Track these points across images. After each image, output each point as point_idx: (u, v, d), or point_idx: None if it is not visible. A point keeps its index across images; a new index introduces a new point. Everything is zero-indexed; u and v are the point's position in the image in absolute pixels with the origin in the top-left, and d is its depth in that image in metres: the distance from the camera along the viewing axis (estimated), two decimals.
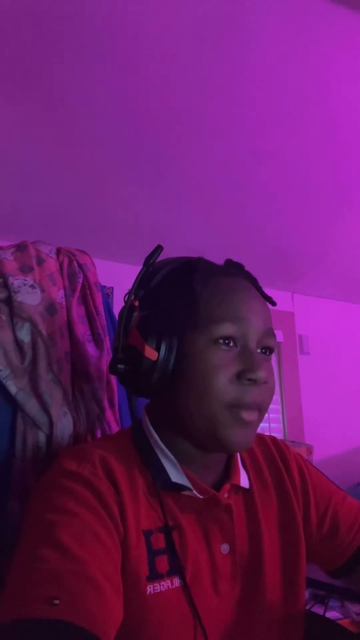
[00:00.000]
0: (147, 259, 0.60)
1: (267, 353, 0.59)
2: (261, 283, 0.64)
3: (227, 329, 0.55)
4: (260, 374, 0.54)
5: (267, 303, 0.62)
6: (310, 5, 1.04)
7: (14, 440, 0.72)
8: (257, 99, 1.30)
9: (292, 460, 0.70)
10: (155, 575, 0.53)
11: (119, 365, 0.56)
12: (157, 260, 0.62)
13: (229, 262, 0.65)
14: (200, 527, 0.58)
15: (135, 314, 0.57)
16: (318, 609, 1.24)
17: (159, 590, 0.52)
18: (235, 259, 0.66)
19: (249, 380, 0.54)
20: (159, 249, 0.61)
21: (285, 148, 1.52)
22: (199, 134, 1.44)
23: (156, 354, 0.54)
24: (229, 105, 1.33)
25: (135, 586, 0.51)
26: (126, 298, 0.58)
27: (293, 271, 2.51)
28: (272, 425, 2.39)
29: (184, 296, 0.57)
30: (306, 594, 1.17)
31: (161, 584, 0.53)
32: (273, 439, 0.73)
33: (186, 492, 0.57)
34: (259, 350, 0.58)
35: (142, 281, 0.59)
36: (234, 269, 0.64)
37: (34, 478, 0.71)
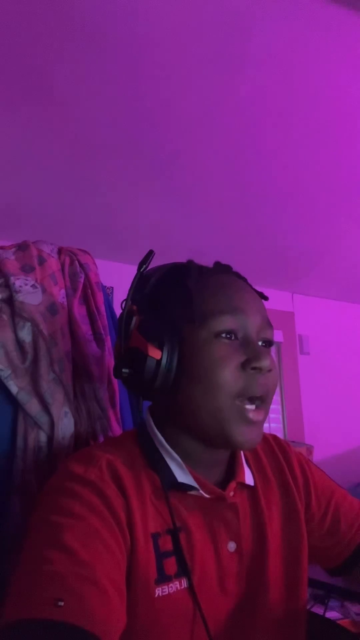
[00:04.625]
0: (141, 264, 0.61)
1: (267, 345, 0.60)
2: (261, 283, 0.65)
3: (227, 322, 0.56)
4: (265, 362, 0.54)
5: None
6: (313, 7, 1.04)
7: (15, 440, 0.72)
8: (259, 99, 1.31)
9: (293, 457, 0.70)
10: (163, 578, 0.53)
11: (124, 370, 0.57)
12: (155, 264, 0.63)
13: (217, 264, 0.66)
14: (207, 526, 0.58)
15: (135, 317, 0.58)
16: (318, 609, 1.24)
17: (167, 593, 0.52)
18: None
19: (254, 369, 0.55)
20: (151, 253, 0.62)
21: (286, 148, 1.52)
22: (200, 134, 1.44)
23: (160, 352, 0.55)
24: (229, 105, 1.33)
25: (144, 590, 0.51)
26: (123, 305, 0.59)
27: (293, 271, 2.51)
28: (272, 425, 2.40)
29: (180, 294, 0.58)
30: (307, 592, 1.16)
31: (169, 586, 0.53)
32: (275, 437, 0.73)
33: (192, 492, 0.58)
34: (259, 343, 0.58)
35: (138, 286, 0.60)
36: (223, 269, 0.65)
37: (35, 478, 0.71)
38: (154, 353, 0.55)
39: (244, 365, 0.55)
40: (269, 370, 0.56)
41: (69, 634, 0.41)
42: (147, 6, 1.03)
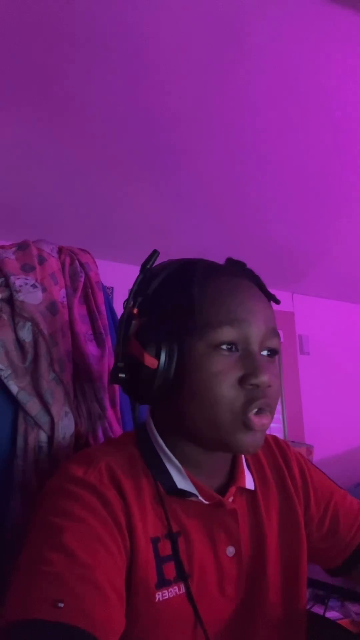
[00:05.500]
0: (144, 264, 0.59)
1: (271, 355, 0.57)
2: None
3: (226, 333, 0.53)
4: (263, 378, 0.52)
5: (270, 302, 0.61)
6: (310, 7, 1.04)
7: (16, 440, 0.72)
8: (258, 100, 1.30)
9: (293, 459, 0.70)
10: (163, 582, 0.53)
11: (120, 375, 0.56)
12: (156, 263, 0.61)
13: (230, 261, 0.64)
14: (206, 531, 0.58)
15: (134, 321, 0.56)
16: (318, 609, 1.24)
17: (167, 597, 0.52)
18: (235, 258, 0.65)
19: (252, 385, 0.52)
20: (155, 253, 0.59)
21: (286, 149, 1.52)
22: (201, 134, 1.44)
23: (156, 362, 0.53)
24: (230, 106, 1.33)
25: (144, 594, 0.51)
26: (125, 305, 0.58)
27: (293, 271, 2.51)
28: (272, 425, 2.40)
29: (182, 301, 0.56)
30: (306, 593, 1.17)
31: (169, 590, 0.53)
32: (274, 438, 0.73)
33: (192, 498, 0.57)
34: (263, 353, 0.56)
35: (140, 287, 0.58)
36: (235, 268, 0.62)
37: (36, 478, 0.71)
38: (150, 362, 0.53)
39: (241, 381, 0.53)
40: (269, 386, 0.54)
41: (69, 635, 0.41)
42: (147, 4, 1.03)
